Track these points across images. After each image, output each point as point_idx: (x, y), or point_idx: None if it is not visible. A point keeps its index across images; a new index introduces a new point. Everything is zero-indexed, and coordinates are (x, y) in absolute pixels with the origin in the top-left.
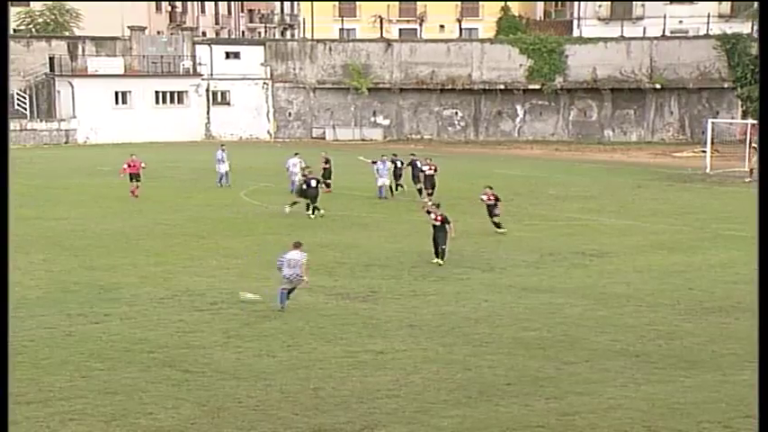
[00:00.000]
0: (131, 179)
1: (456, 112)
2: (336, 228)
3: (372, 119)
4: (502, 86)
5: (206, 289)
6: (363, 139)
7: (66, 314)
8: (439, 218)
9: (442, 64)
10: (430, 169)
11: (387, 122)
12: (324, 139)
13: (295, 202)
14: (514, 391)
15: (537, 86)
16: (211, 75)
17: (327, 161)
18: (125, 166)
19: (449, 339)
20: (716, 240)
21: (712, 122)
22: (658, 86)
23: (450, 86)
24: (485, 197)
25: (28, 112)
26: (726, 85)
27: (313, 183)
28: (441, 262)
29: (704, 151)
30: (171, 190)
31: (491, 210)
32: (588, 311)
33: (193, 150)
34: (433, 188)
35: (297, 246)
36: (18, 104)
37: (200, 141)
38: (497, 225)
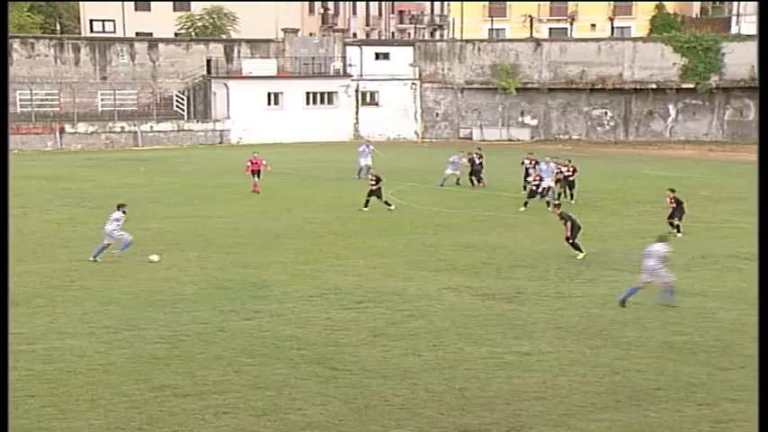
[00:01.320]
0: (254, 175)
1: (605, 112)
2: (483, 228)
3: (520, 119)
4: (654, 86)
5: (353, 287)
6: (510, 140)
7: (219, 310)
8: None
9: (592, 63)
10: (568, 170)
11: (534, 122)
12: (470, 139)
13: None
14: (664, 397)
15: (691, 85)
16: (361, 75)
17: (480, 156)
18: (248, 163)
19: (596, 342)
20: None
21: None
22: None
23: (599, 86)
24: (667, 200)
25: (186, 113)
26: None
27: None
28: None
29: None
30: (319, 189)
31: (674, 212)
32: (743, 316)
33: (342, 150)
34: (571, 189)
35: (662, 239)
36: (177, 106)
37: (348, 141)
38: (674, 227)
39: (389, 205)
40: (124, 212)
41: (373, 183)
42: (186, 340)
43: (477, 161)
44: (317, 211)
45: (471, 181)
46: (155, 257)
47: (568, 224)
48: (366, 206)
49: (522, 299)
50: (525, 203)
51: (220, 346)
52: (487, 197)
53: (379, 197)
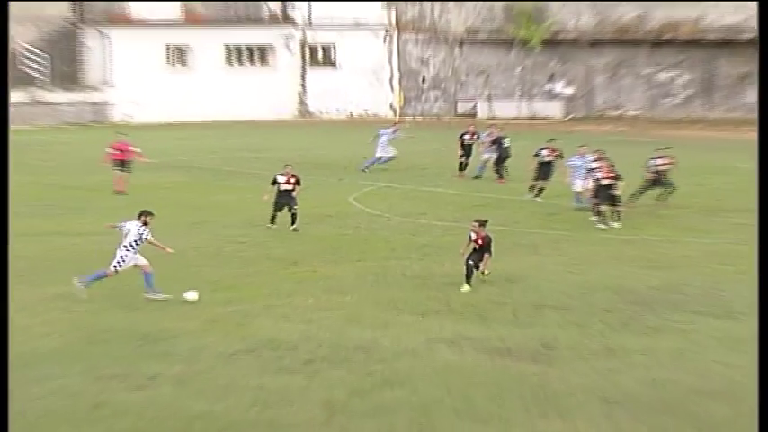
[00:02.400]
0: (119, 167)
1: (677, 76)
2: (493, 250)
3: (548, 87)
4: (749, 35)
5: (298, 339)
6: (534, 117)
7: (93, 376)
8: (480, 240)
9: (655, 3)
10: (551, 153)
11: (570, 92)
12: (474, 116)
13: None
14: None
15: None
16: (309, 22)
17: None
18: (110, 150)
19: (666, 421)
20: None
21: None
22: None
23: (668, 36)
24: None
25: (43, 78)
26: None
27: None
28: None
29: None
30: (250, 193)
31: None
32: None
33: (283, 134)
34: (545, 179)
35: None
36: (29, 66)
37: (291, 121)
38: None
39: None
40: (146, 223)
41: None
42: (42, 423)
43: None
44: (243, 225)
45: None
46: (192, 295)
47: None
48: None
49: (552, 356)
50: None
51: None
52: (500, 203)
53: None
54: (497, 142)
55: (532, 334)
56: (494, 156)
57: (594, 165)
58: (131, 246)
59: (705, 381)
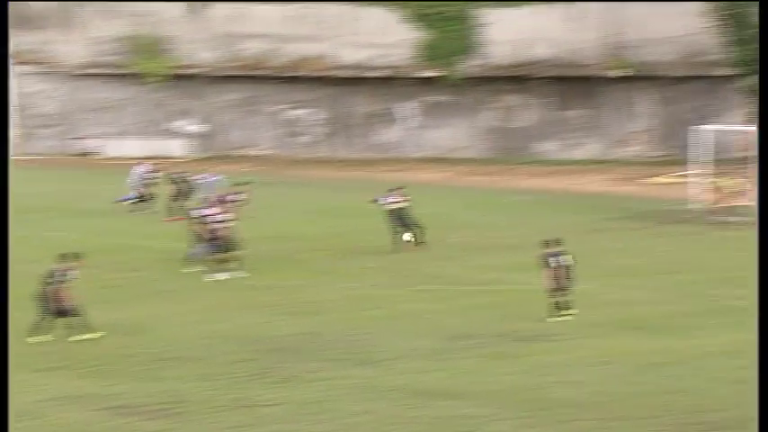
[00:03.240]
0: None
1: (310, 114)
2: (118, 299)
3: (173, 124)
4: (379, 73)
5: None
6: (159, 156)
7: None
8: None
9: (285, 37)
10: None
11: (197, 129)
12: (88, 155)
13: None
14: None
15: (435, 74)
16: None
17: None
18: None
19: None
20: (716, 315)
21: (700, 131)
22: (621, 74)
23: (298, 73)
24: None
25: None
26: (722, 73)
27: None
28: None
29: (691, 175)
30: None
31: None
32: (520, 429)
33: None
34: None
35: None
36: None
37: None
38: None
39: None
40: None
41: None
42: None
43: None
44: None
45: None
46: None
47: None
48: None
49: (179, 412)
50: None
51: None
52: (122, 250)
53: None
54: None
55: (159, 388)
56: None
57: (212, 210)
58: None
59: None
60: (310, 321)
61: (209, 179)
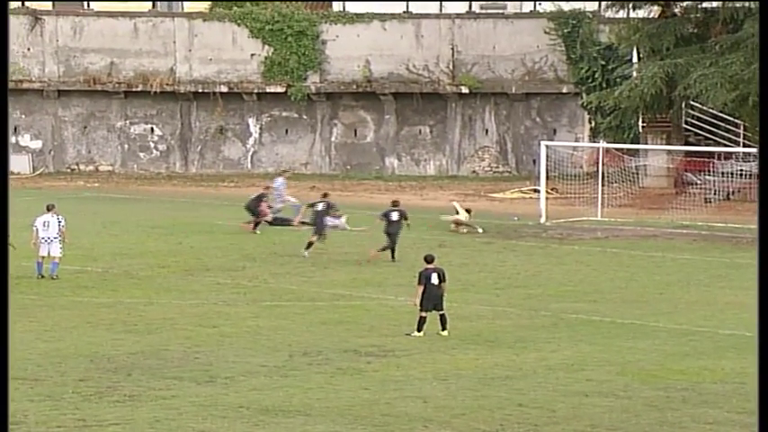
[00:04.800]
0: None
1: (152, 129)
2: None
3: (13, 139)
4: (224, 88)
5: None
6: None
7: None
8: None
9: (126, 52)
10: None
11: (37, 145)
12: None
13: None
14: None
15: (280, 89)
16: None
17: None
18: None
19: None
20: (557, 328)
21: (547, 146)
22: (465, 90)
23: (140, 88)
24: None
25: None
26: (566, 90)
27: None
28: None
29: (537, 190)
30: None
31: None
32: None
33: None
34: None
35: None
36: None
37: None
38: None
39: None
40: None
41: None
42: None
43: None
44: None
45: None
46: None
47: None
48: None
49: None
50: None
51: None
52: None
53: None
54: None
55: None
56: None
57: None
58: None
59: None
60: (154, 339)
61: None
